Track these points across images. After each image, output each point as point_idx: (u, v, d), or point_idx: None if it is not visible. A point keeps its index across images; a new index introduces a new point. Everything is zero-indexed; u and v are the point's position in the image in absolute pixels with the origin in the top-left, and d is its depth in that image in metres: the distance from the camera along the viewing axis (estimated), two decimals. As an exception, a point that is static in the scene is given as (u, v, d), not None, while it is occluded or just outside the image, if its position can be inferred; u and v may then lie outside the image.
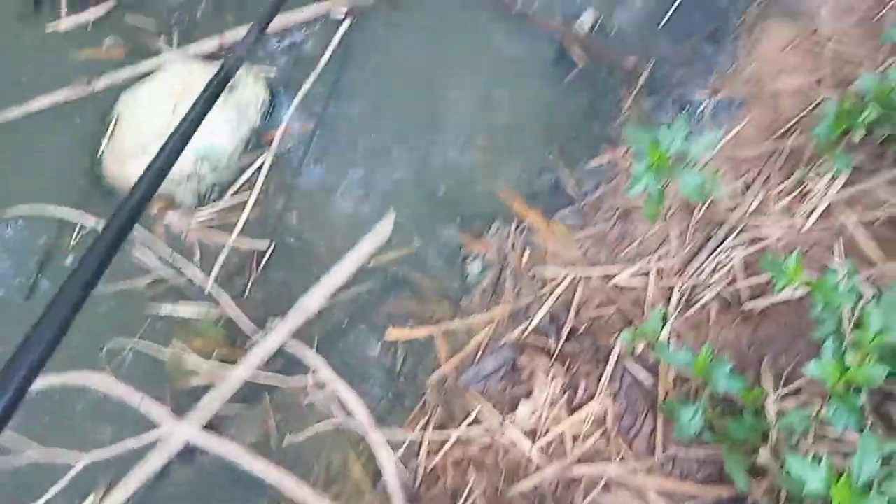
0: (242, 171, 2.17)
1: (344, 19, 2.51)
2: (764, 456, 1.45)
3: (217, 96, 1.41)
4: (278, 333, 1.81)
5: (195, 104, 1.34)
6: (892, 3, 2.35)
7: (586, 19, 2.48)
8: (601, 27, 2.47)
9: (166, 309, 1.95)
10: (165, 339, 1.90)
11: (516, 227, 2.06)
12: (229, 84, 1.61)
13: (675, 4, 2.50)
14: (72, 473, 1.67)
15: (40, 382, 1.56)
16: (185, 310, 1.94)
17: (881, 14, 2.34)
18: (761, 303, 1.76)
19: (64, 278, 0.89)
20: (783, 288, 1.48)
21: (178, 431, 1.71)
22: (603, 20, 2.48)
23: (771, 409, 1.48)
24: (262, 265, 2.01)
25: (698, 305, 1.80)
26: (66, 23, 2.49)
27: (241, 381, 1.78)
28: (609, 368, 1.70)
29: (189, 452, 1.76)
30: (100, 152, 2.19)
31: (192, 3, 2.59)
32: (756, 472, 1.49)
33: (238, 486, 1.77)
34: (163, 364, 1.88)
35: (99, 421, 1.82)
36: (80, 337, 1.79)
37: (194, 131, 1.32)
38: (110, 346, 1.86)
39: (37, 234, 2.09)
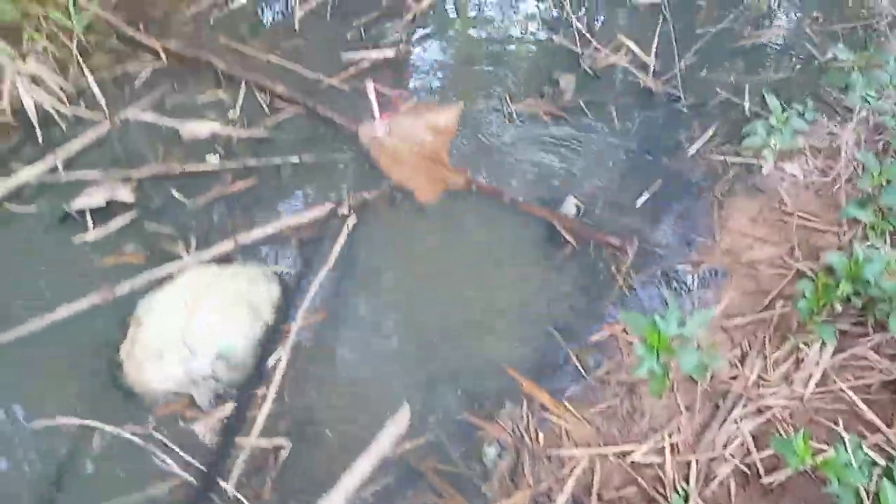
0: (258, 367, 2.25)
1: (349, 214, 2.74)
2: None
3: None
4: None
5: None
6: (845, 178, 2.64)
7: (569, 206, 2.73)
8: (585, 211, 2.72)
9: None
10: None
11: (528, 407, 2.13)
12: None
13: (652, 190, 2.77)
14: None
15: None
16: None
17: (836, 188, 2.62)
18: (778, 476, 1.80)
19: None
20: (796, 467, 1.54)
21: None
22: (586, 205, 2.74)
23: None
24: (280, 462, 2.03)
25: (717, 481, 1.84)
26: (92, 233, 2.69)
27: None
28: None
29: None
30: (119, 357, 2.28)
31: (207, 209, 2.82)
32: None
33: None
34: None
35: None
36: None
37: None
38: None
39: (59, 441, 2.11)
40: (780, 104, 2.81)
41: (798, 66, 3.31)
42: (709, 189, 2.78)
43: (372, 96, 2.65)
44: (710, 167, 2.87)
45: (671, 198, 2.78)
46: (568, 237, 2.61)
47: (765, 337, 2.17)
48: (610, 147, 2.99)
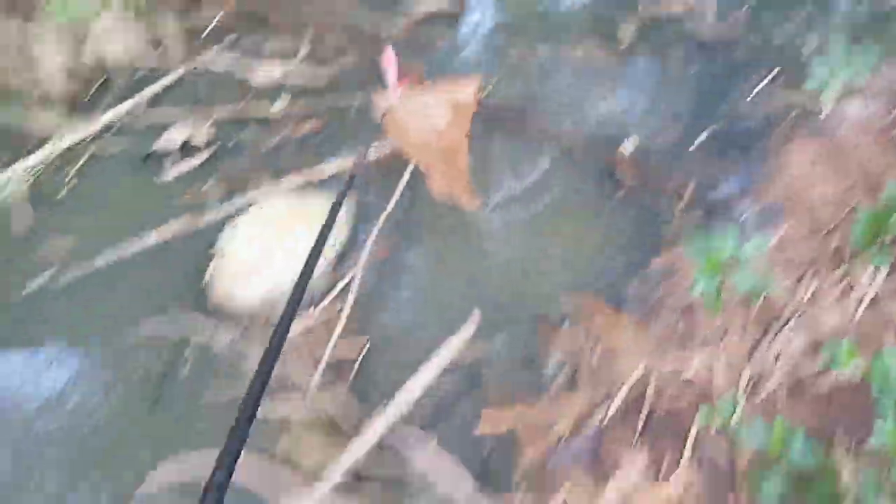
0: (335, 284, 2.54)
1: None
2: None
3: (338, 210, 1.81)
4: (378, 427, 2.10)
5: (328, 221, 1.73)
6: (903, 119, 2.77)
7: (629, 144, 2.93)
8: (643, 153, 2.92)
9: (272, 409, 2.24)
10: (272, 440, 2.18)
11: (588, 323, 2.37)
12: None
13: (710, 132, 2.95)
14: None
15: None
16: (291, 407, 2.23)
17: (895, 131, 2.76)
18: (825, 385, 2.00)
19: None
20: (841, 370, 1.75)
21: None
22: (643, 147, 2.93)
23: (846, 476, 1.69)
24: (358, 364, 2.32)
25: (766, 391, 2.05)
26: (174, 171, 3.01)
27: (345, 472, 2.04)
28: (689, 445, 1.93)
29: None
30: (205, 280, 2.59)
31: (280, 146, 3.12)
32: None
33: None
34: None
35: None
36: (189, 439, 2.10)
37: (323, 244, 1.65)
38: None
39: (154, 352, 2.44)
40: (843, 47, 2.95)
41: (862, 12, 3.41)
42: (767, 131, 2.94)
43: (390, 64, 2.61)
44: (769, 110, 3.02)
45: (729, 140, 2.95)
46: (626, 175, 2.81)
47: (821, 264, 2.35)
48: (668, 91, 3.16)
